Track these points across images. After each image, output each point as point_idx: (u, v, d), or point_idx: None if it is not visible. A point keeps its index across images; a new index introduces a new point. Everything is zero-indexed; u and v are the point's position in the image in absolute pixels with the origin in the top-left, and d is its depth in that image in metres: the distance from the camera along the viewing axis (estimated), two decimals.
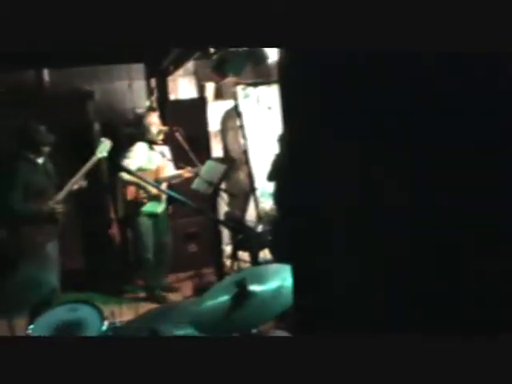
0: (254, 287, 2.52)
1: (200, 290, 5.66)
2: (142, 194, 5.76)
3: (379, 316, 1.12)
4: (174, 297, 5.98)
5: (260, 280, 2.57)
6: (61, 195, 4.88)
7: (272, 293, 2.46)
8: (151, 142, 5.84)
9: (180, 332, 2.71)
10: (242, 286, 2.50)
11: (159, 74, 7.35)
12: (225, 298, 2.55)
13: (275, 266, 2.71)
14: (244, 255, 6.25)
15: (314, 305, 1.43)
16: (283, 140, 6.21)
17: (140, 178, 4.28)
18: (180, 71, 7.28)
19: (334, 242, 1.26)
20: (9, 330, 3.08)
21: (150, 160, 5.82)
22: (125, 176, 5.69)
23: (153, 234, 5.95)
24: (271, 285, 2.51)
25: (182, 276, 6.46)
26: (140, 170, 5.66)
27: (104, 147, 5.11)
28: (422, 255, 0.96)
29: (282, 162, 6.50)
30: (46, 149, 4.89)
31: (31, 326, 3.07)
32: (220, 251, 5.15)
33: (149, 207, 5.86)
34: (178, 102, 6.90)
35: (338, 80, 1.12)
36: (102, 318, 3.05)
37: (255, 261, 5.67)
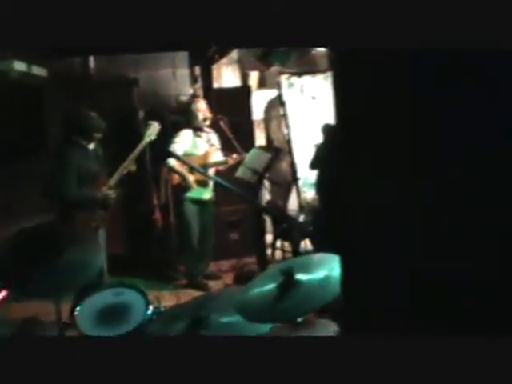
0: (300, 276, 2.50)
1: (241, 279, 5.68)
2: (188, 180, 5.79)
3: (430, 312, 1.10)
4: (215, 284, 6.00)
5: (307, 269, 2.56)
6: (113, 180, 4.94)
7: (319, 282, 2.44)
8: (197, 129, 5.85)
9: (225, 319, 2.70)
10: (288, 274, 2.49)
11: (203, 63, 7.36)
12: (271, 286, 2.54)
13: (322, 256, 2.68)
14: (284, 245, 6.26)
15: (363, 298, 1.41)
16: (332, 134, 6.19)
17: (186, 162, 4.28)
18: (224, 60, 7.28)
19: (384, 233, 1.24)
20: (56, 311, 3.13)
21: (195, 146, 5.82)
22: (171, 162, 5.75)
23: (198, 221, 5.98)
24: (318, 274, 2.49)
25: (222, 264, 6.47)
26: (185, 155, 5.67)
27: (153, 130, 5.17)
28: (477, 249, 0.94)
29: (326, 153, 6.48)
30: (98, 135, 4.94)
31: (78, 308, 3.12)
32: (262, 240, 5.14)
33: (195, 193, 5.87)
34: (223, 91, 6.90)
35: (395, 78, 1.11)
36: (147, 303, 3.08)
37: (296, 250, 5.65)
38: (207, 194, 5.96)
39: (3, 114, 6.67)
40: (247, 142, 5.87)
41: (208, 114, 5.84)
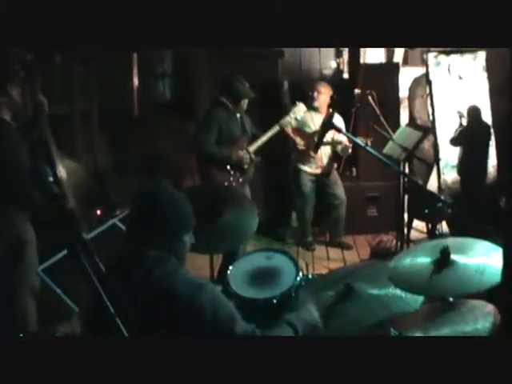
0: (456, 257, 2.50)
1: (377, 254, 5.70)
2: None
3: None
4: (349, 256, 6.15)
5: (463, 251, 2.55)
6: (253, 147, 5.17)
7: (476, 268, 2.43)
8: (313, 108, 6.05)
9: (375, 291, 2.75)
10: (445, 252, 2.50)
11: None
12: (426, 260, 2.56)
13: (478, 241, 2.66)
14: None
15: None
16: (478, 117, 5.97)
17: (347, 135, 4.29)
18: None
19: None
20: (210, 266, 3.31)
21: (307, 124, 6.09)
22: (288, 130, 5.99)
23: (316, 188, 6.30)
24: (476, 259, 2.48)
25: (358, 238, 6.59)
26: (297, 129, 6.06)
27: (298, 110, 5.32)
28: None
29: (471, 135, 6.32)
30: (244, 101, 5.16)
31: (230, 267, 3.25)
32: (400, 218, 5.13)
33: (303, 166, 6.21)
34: (371, 66, 6.84)
35: None
36: (297, 269, 3.15)
37: (432, 232, 5.59)
38: (313, 170, 6.22)
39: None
40: (393, 119, 5.81)
41: (323, 98, 6.02)
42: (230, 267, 3.25)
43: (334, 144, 6.05)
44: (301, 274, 3.12)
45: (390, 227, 6.19)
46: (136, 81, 7.22)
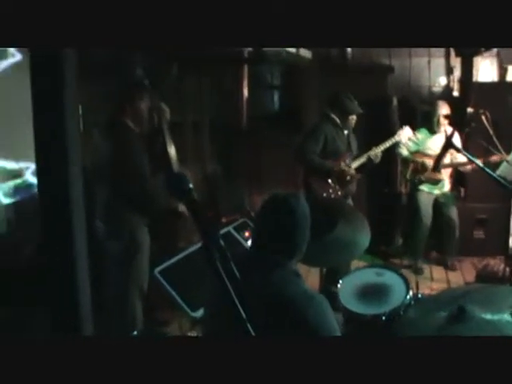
0: None
1: (482, 278, 5.57)
2: (420, 174, 5.95)
3: None
4: (453, 277, 6.06)
5: None
6: (354, 163, 5.26)
7: None
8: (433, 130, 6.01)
9: (488, 316, 2.70)
10: None
11: (460, 54, 7.14)
12: None
13: None
14: None
15: None
16: None
17: (467, 155, 4.22)
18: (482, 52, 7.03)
19: None
20: (320, 279, 3.35)
21: (427, 145, 6.01)
22: (403, 153, 6.01)
23: (433, 208, 6.12)
24: None
25: (464, 260, 6.46)
26: (418, 152, 5.88)
27: (404, 133, 5.35)
28: None
29: None
30: (353, 119, 5.20)
31: (340, 281, 3.28)
32: (509, 242, 5.00)
33: (426, 187, 6.06)
34: (484, 85, 6.68)
35: None
36: (408, 287, 3.14)
37: None
38: (437, 190, 6.10)
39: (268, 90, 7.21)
40: (506, 139, 5.64)
41: (445, 119, 5.93)
42: (340, 281, 3.29)
43: (454, 165, 5.99)
44: (411, 292, 3.12)
45: (497, 251, 6.03)
46: (246, 92, 7.38)
